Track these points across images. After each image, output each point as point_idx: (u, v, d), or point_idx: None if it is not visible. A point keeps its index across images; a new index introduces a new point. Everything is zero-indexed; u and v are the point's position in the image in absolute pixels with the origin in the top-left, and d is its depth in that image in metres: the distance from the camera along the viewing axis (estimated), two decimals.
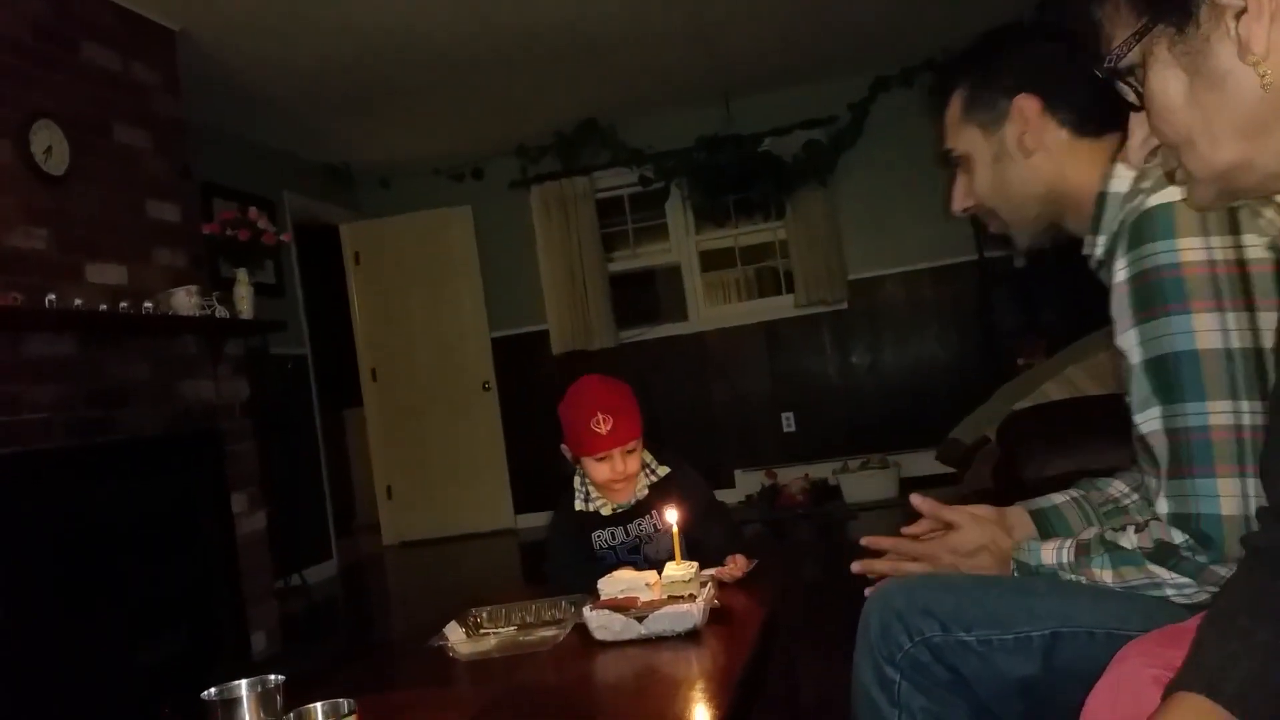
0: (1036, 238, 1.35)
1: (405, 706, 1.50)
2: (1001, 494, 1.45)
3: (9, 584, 2.76)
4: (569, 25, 4.67)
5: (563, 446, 2.08)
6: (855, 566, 1.39)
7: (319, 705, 1.12)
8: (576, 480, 2.11)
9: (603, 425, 1.99)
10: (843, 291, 6.13)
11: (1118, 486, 1.37)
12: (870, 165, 5.91)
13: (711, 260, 6.64)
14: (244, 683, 1.13)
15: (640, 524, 2.07)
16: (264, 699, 1.12)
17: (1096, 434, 1.93)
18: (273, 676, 1.15)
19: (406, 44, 4.60)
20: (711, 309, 6.61)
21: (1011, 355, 5.17)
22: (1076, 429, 2.26)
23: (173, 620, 3.45)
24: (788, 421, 6.35)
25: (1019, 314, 5.72)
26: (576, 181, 6.41)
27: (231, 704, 1.12)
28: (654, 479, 2.09)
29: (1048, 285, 5.41)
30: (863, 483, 5.68)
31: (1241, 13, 0.68)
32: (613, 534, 2.08)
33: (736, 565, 1.89)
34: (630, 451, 2.02)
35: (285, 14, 4.09)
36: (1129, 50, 0.76)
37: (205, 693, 1.13)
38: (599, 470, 2.03)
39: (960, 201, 1.38)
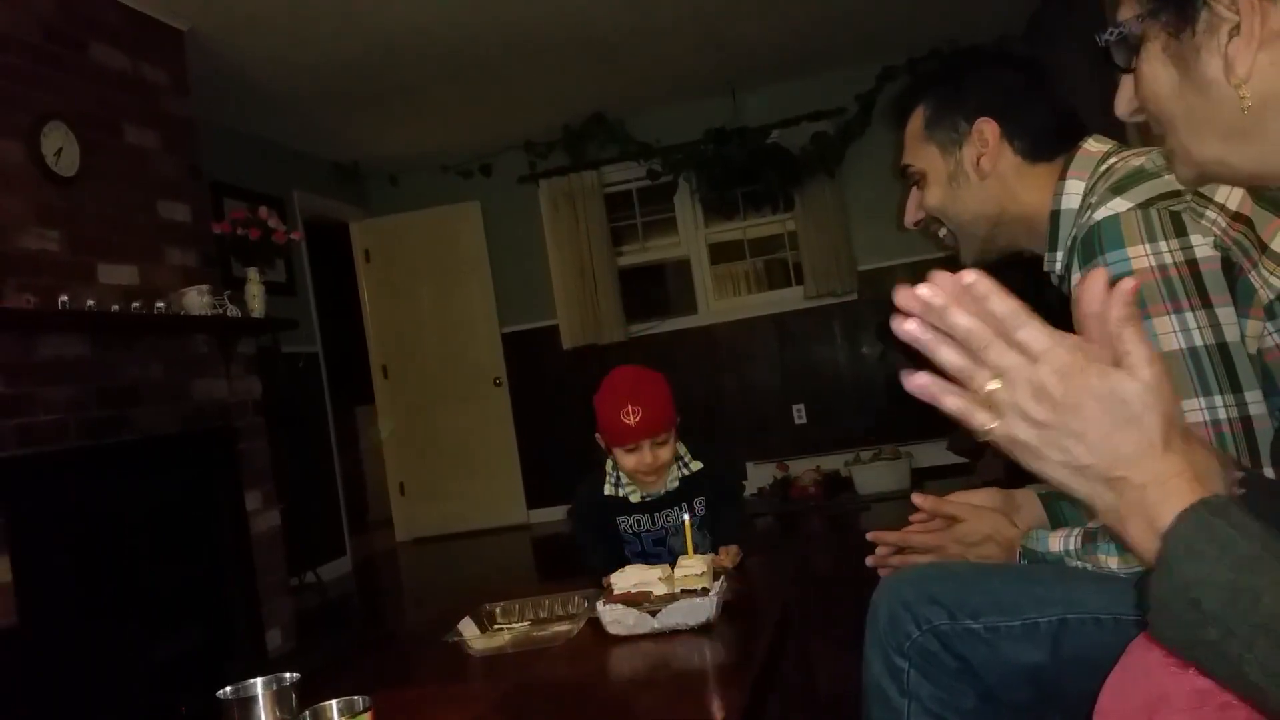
0: (983, 255, 1.40)
1: (420, 702, 1.50)
2: (1014, 483, 1.46)
3: (27, 583, 2.78)
4: (576, 20, 4.66)
5: (596, 435, 2.12)
6: (870, 561, 1.44)
7: (334, 702, 1.12)
8: (609, 464, 2.15)
9: (632, 417, 2.03)
10: (852, 282, 6.12)
11: None
12: (878, 156, 5.87)
13: (720, 253, 6.63)
14: (259, 681, 1.14)
15: (669, 515, 2.11)
16: (279, 697, 1.13)
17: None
18: (288, 675, 1.15)
19: (414, 41, 4.60)
20: (721, 301, 6.60)
21: None
22: None
23: (188, 618, 3.47)
24: (799, 413, 6.34)
25: (1030, 302, 5.68)
26: (585, 176, 6.41)
27: (247, 702, 1.12)
28: (686, 473, 2.13)
29: None
30: (875, 474, 5.67)
31: (1235, 32, 0.71)
32: (639, 521, 2.12)
33: (727, 555, 1.95)
34: (660, 444, 2.06)
35: (293, 12, 4.10)
36: (1133, 29, 0.79)
37: (221, 691, 1.14)
38: (627, 460, 2.07)
39: (912, 215, 1.45)
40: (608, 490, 2.14)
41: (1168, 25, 0.76)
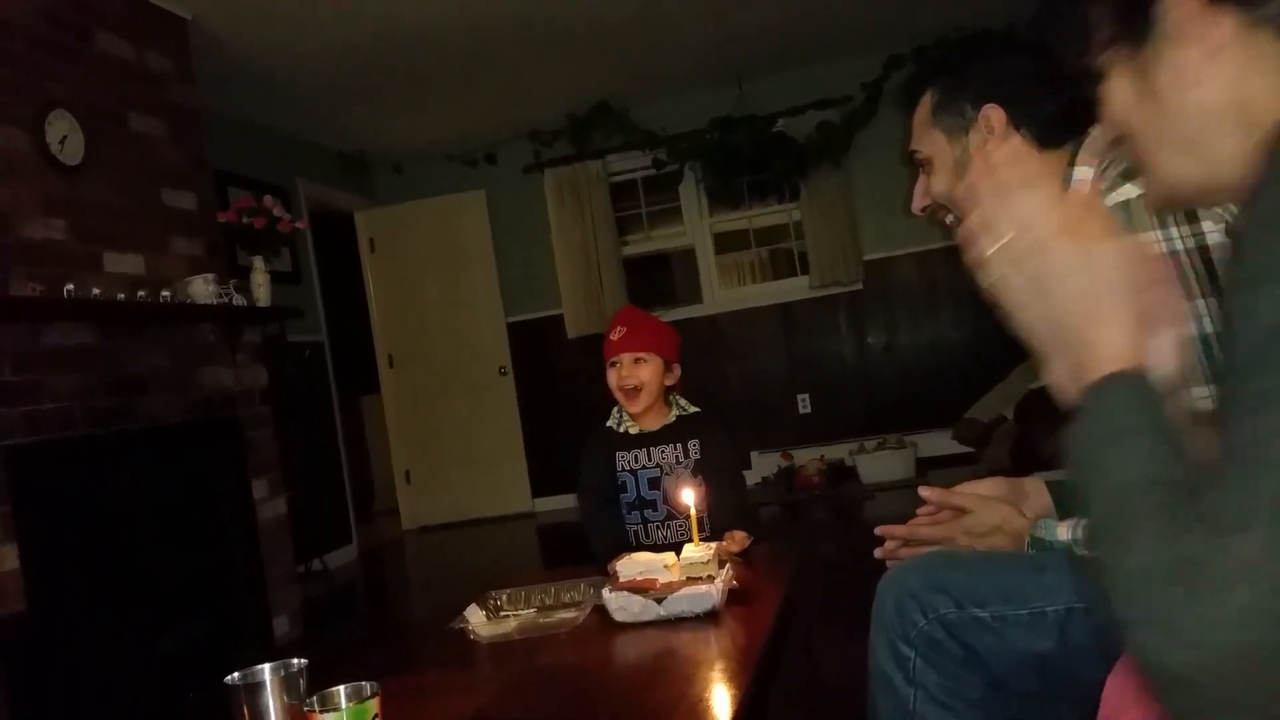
0: None
1: (427, 688, 1.51)
2: (1019, 472, 1.45)
3: (34, 572, 2.80)
4: (581, 8, 4.65)
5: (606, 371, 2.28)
6: (878, 553, 1.43)
7: (342, 688, 1.12)
8: (615, 408, 2.32)
9: (617, 333, 2.25)
10: (857, 272, 6.11)
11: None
12: (884, 145, 5.84)
13: (726, 242, 6.62)
14: (267, 667, 1.14)
15: (664, 451, 2.22)
16: (287, 682, 1.13)
17: None
18: (296, 660, 1.15)
19: (418, 29, 4.59)
20: (726, 291, 6.60)
21: None
22: None
23: (195, 606, 3.49)
24: (803, 403, 6.34)
25: None
26: (589, 165, 6.40)
27: (255, 688, 1.12)
28: (682, 412, 2.27)
29: None
30: (879, 463, 5.67)
31: (1185, 44, 0.77)
32: (635, 456, 2.23)
33: (734, 541, 1.97)
34: (640, 361, 2.22)
35: (297, 0, 4.09)
36: (1099, 57, 0.85)
37: (228, 677, 1.14)
38: (611, 376, 2.23)
39: (919, 202, 1.44)
40: (609, 423, 2.30)
41: (1127, 43, 0.81)
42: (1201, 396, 1.05)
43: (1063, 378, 0.77)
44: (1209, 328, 1.06)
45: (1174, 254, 1.07)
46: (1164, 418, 0.69)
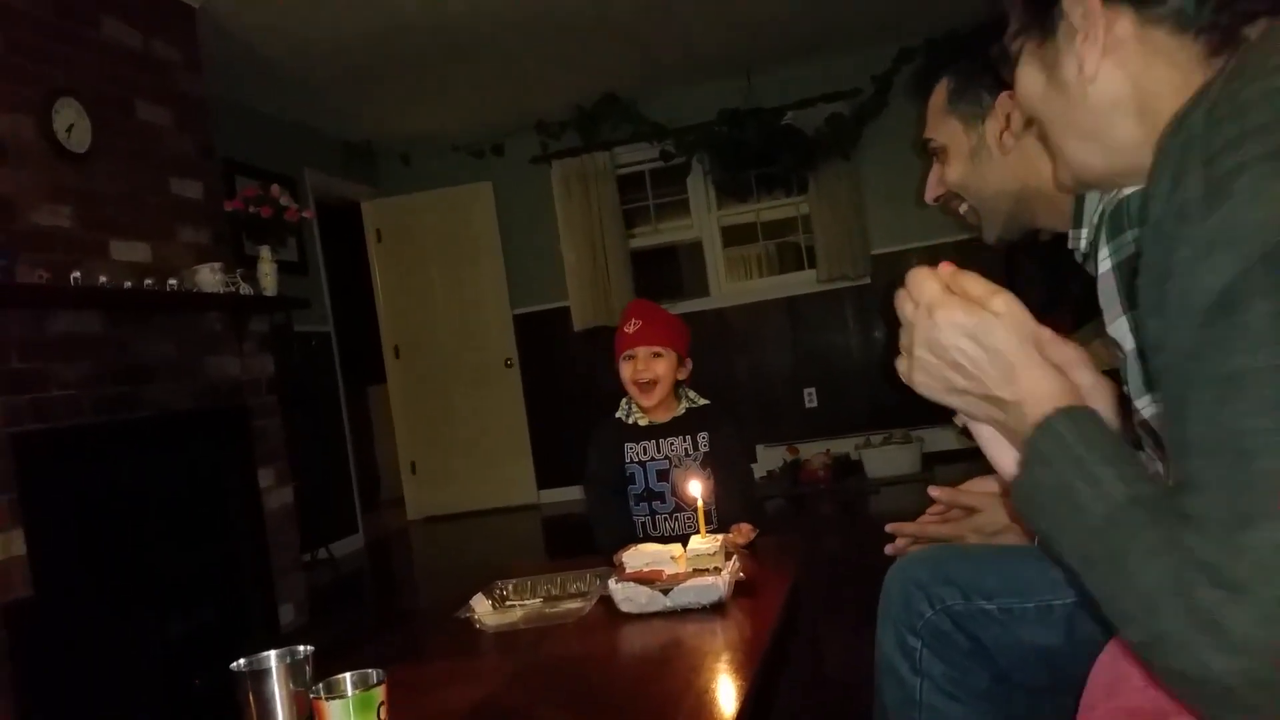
0: (1006, 232, 1.37)
1: (433, 677, 1.51)
2: None
3: (41, 559, 2.80)
4: None
5: (617, 364, 2.27)
6: (889, 549, 1.42)
7: (348, 675, 1.12)
8: (624, 400, 2.32)
9: (632, 326, 2.24)
10: (865, 266, 6.09)
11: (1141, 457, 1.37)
12: (894, 138, 5.83)
13: (733, 235, 6.61)
14: (273, 654, 1.14)
15: (673, 444, 2.22)
16: (293, 669, 1.13)
17: (1123, 407, 1.93)
18: (302, 647, 1.15)
19: (426, 19, 4.58)
20: (733, 284, 6.58)
21: None
22: None
23: (202, 594, 3.49)
24: (809, 397, 6.33)
25: (1045, 286, 5.65)
26: (597, 157, 6.39)
27: (261, 675, 1.13)
28: (692, 404, 2.27)
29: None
30: (885, 458, 5.66)
31: (1085, 37, 0.81)
32: (644, 448, 2.23)
33: (740, 533, 1.97)
34: (656, 355, 2.21)
35: None
36: (1012, 44, 0.90)
37: (235, 664, 1.14)
38: (626, 370, 2.22)
39: (933, 191, 1.42)
40: (619, 414, 2.29)
41: (1035, 34, 0.86)
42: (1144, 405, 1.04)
43: (1005, 460, 0.80)
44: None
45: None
46: (1116, 440, 0.69)
